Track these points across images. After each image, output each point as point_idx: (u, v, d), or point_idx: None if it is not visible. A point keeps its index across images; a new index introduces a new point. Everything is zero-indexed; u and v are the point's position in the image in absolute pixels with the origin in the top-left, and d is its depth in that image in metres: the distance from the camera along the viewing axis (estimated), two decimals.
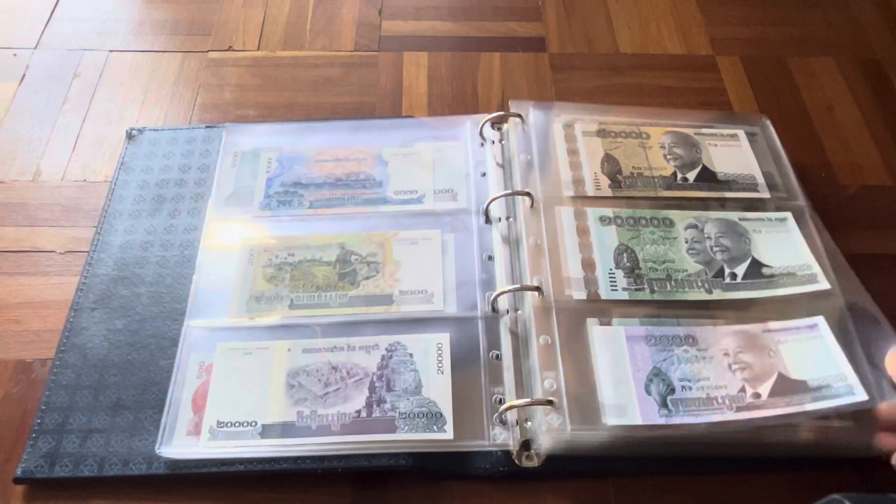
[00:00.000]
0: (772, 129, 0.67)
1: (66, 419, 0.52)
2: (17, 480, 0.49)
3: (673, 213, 0.60)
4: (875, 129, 0.72)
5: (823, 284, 0.56)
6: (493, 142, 0.67)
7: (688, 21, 0.82)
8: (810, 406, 0.49)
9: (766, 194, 0.62)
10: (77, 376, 0.54)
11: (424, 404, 0.51)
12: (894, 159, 0.70)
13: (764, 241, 0.59)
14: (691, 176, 0.63)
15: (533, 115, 0.65)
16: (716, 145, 0.65)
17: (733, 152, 0.65)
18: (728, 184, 0.62)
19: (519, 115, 0.66)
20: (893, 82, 0.76)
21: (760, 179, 0.63)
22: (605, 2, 0.83)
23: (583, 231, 0.58)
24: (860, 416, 0.49)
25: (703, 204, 0.61)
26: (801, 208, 0.61)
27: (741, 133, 0.66)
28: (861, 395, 0.49)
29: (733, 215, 0.60)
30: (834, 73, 0.76)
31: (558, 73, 0.76)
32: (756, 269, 0.57)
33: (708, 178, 0.63)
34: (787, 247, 0.59)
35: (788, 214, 0.61)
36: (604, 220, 0.59)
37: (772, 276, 0.57)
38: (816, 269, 0.57)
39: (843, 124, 0.72)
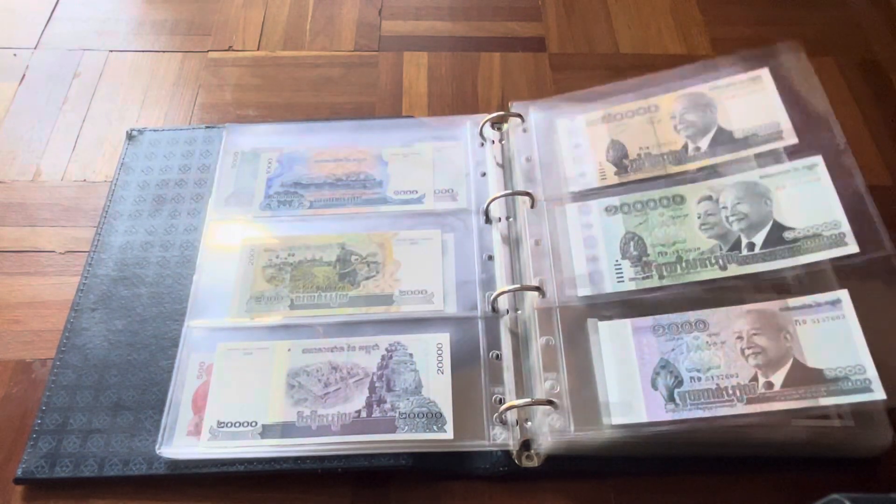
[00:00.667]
0: (804, 57, 0.60)
1: (67, 419, 0.52)
2: (17, 481, 0.50)
3: (684, 189, 0.56)
4: (875, 129, 0.72)
5: (853, 247, 0.50)
6: (493, 142, 0.67)
7: (688, 21, 0.82)
8: (824, 401, 0.45)
9: (792, 140, 0.56)
10: (77, 377, 0.54)
11: (424, 404, 0.51)
12: (894, 159, 0.69)
13: (788, 198, 0.53)
14: (704, 143, 0.59)
15: (533, 114, 0.65)
16: (734, 97, 0.60)
17: (754, 100, 0.59)
18: (747, 140, 0.57)
19: (519, 115, 0.66)
20: (893, 82, 0.76)
21: (787, 124, 0.57)
22: (605, 2, 0.83)
23: (586, 226, 0.57)
24: (861, 415, 0.49)
25: (719, 171, 0.57)
26: (836, 146, 0.55)
27: (764, 73, 0.60)
28: (879, 394, 0.45)
29: (753, 175, 0.55)
30: (834, 73, 0.76)
31: (558, 73, 0.76)
32: (777, 233, 0.52)
33: (724, 140, 0.58)
34: (815, 200, 0.53)
35: (819, 158, 0.54)
36: (609, 209, 0.57)
37: (794, 240, 0.52)
38: (846, 227, 0.51)
39: (843, 124, 0.72)
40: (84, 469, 0.50)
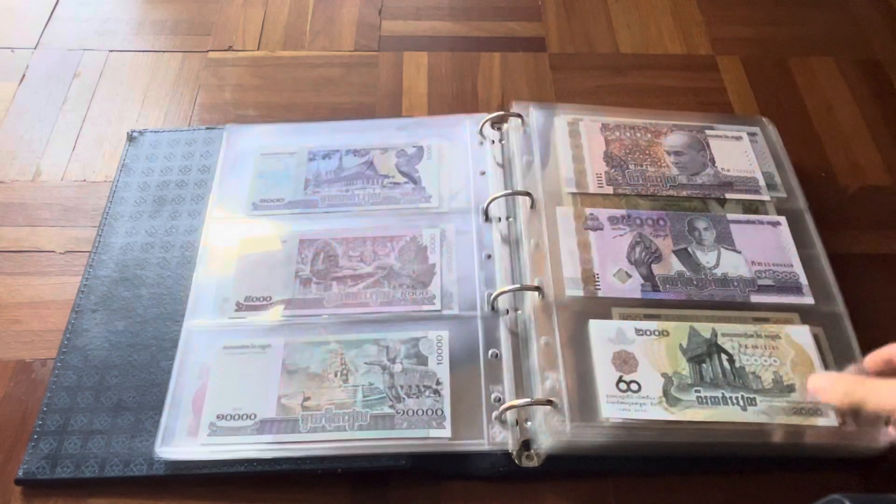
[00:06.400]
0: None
1: (68, 420, 0.52)
2: (18, 481, 0.50)
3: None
4: (875, 129, 0.72)
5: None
6: (493, 141, 0.67)
7: (688, 21, 0.82)
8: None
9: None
10: (78, 378, 0.54)
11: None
12: (894, 159, 0.70)
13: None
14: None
15: (534, 114, 0.66)
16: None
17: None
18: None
19: (519, 115, 0.66)
20: (893, 82, 0.76)
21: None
22: (605, 2, 0.83)
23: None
24: (861, 415, 0.49)
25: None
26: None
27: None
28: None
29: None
30: (834, 73, 0.76)
31: (558, 73, 0.76)
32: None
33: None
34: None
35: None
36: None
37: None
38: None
39: (843, 124, 0.72)
40: (85, 470, 0.50)
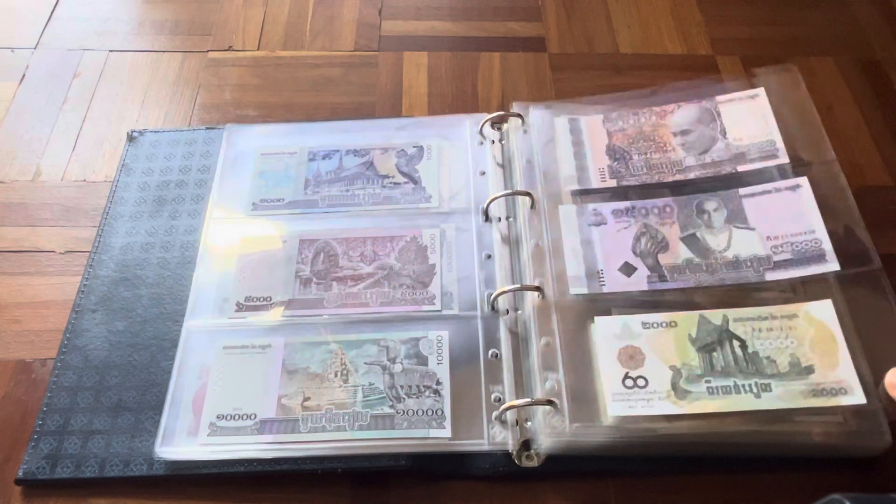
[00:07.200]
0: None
1: (68, 421, 0.52)
2: (18, 481, 0.50)
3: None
4: (875, 129, 0.72)
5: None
6: (493, 141, 0.67)
7: (688, 21, 0.82)
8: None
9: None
10: (78, 378, 0.54)
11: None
12: (894, 159, 0.70)
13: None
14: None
15: (534, 114, 0.65)
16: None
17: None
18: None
19: (519, 115, 0.66)
20: (893, 82, 0.76)
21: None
22: (605, 2, 0.83)
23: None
24: (862, 415, 0.49)
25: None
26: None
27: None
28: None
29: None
30: (834, 73, 0.76)
31: (558, 73, 0.76)
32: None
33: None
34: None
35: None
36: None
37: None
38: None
39: (843, 124, 0.72)
40: (85, 470, 0.50)
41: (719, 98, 0.64)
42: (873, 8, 0.83)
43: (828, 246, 0.54)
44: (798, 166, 0.58)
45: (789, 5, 0.83)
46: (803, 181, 0.57)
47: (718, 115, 0.62)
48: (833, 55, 0.78)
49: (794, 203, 0.56)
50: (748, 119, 0.61)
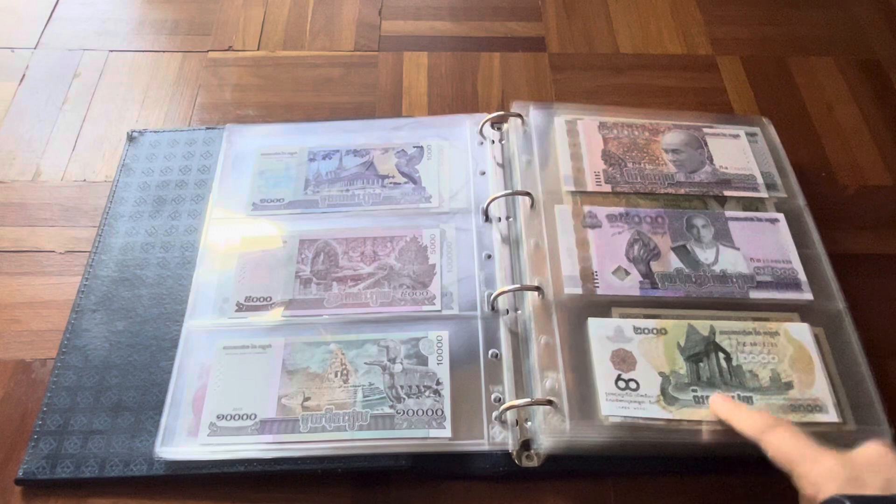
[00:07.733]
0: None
1: (68, 421, 0.52)
2: (18, 481, 0.50)
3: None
4: (875, 129, 0.72)
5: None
6: (493, 141, 0.67)
7: (688, 21, 0.82)
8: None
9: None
10: (78, 378, 0.54)
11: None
12: (894, 159, 0.70)
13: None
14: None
15: (533, 114, 0.66)
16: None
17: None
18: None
19: (519, 115, 0.66)
20: (893, 82, 0.76)
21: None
22: (605, 2, 0.83)
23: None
24: (862, 415, 0.49)
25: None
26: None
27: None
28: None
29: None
30: (834, 73, 0.77)
31: (558, 73, 0.76)
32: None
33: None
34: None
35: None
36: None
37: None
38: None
39: (843, 124, 0.72)
40: (85, 470, 0.50)
41: (706, 129, 0.66)
42: (873, 8, 0.83)
43: (803, 277, 0.57)
44: (779, 205, 0.62)
45: (789, 5, 0.83)
46: (780, 217, 0.60)
47: (705, 143, 0.65)
48: (833, 55, 0.78)
49: (772, 234, 0.59)
50: (732, 151, 0.65)
